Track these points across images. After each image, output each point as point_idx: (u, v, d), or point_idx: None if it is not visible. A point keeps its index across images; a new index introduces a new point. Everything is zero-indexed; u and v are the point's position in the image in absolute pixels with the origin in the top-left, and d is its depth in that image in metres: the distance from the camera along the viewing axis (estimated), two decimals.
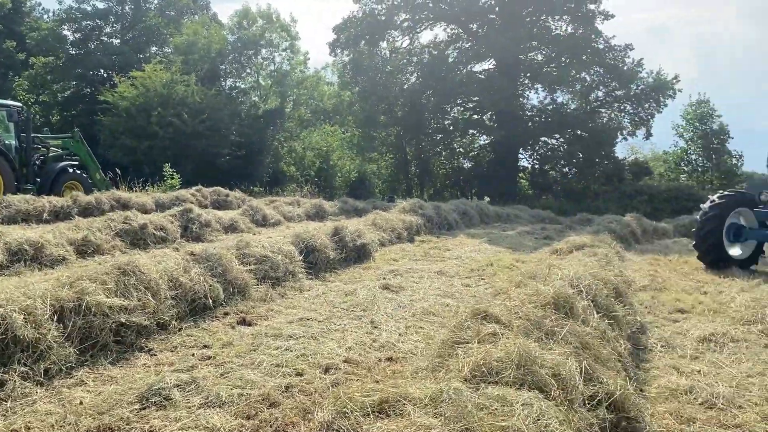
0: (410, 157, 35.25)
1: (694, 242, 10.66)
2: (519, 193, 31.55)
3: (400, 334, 5.78)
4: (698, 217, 10.56)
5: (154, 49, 40.92)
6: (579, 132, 31.35)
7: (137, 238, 10.19)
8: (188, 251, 6.84)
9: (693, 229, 10.83)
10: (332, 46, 33.95)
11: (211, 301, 6.14)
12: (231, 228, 12.62)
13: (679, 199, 25.39)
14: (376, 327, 6.01)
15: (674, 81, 30.48)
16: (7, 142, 15.11)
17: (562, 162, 33.11)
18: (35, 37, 35.83)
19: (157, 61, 33.05)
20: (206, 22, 36.50)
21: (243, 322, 6.01)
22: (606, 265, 7.46)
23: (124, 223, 10.24)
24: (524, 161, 34.47)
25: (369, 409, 3.03)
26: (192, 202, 16.87)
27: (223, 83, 37.19)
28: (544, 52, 32.08)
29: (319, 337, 5.56)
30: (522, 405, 2.84)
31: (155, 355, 4.97)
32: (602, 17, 30.40)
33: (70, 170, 16.82)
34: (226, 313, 6.18)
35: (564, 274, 5.26)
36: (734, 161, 31.69)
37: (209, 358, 4.90)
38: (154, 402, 3.91)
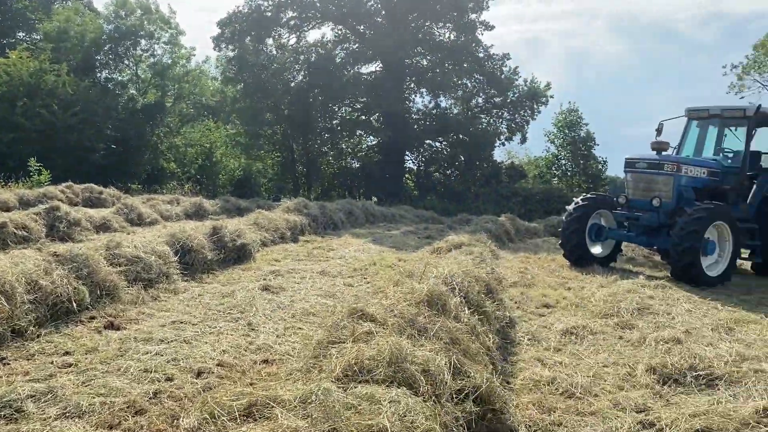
0: (297, 156, 34.93)
1: (560, 241, 11.38)
2: (405, 193, 32.19)
3: (278, 336, 5.72)
4: (564, 218, 11.28)
5: (21, 35, 37.74)
6: (461, 136, 32.45)
7: None
8: (51, 251, 6.38)
9: (559, 229, 11.55)
10: (216, 41, 32.91)
11: (75, 304, 5.76)
12: (103, 227, 11.92)
13: (550, 200, 26.97)
14: (253, 329, 5.91)
15: (546, 88, 32.41)
16: None
17: (445, 164, 34.14)
18: None
19: (24, 48, 30.47)
20: (80, 10, 34.14)
21: (110, 326, 5.70)
22: (480, 263, 7.79)
23: None
24: (410, 163, 35.24)
25: (237, 413, 2.97)
26: (61, 200, 15.74)
27: (99, 75, 34.97)
28: (428, 58, 32.93)
29: (192, 341, 5.38)
30: (390, 402, 2.90)
31: (8, 364, 4.60)
32: (483, 27, 31.72)
33: None
34: (93, 317, 5.84)
35: (439, 273, 5.43)
36: (599, 166, 34.12)
37: (70, 365, 4.61)
38: (4, 415, 3.62)
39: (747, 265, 11.44)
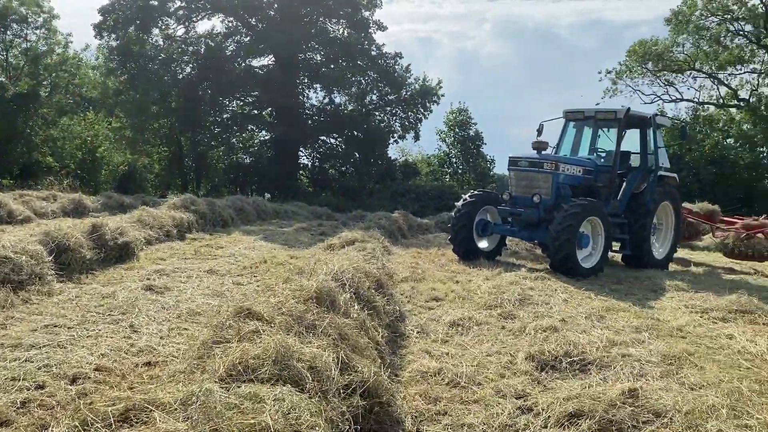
0: (186, 151, 33.70)
1: (450, 236, 11.73)
2: (299, 190, 31.95)
3: (161, 337, 5.50)
4: (453, 214, 11.65)
5: None
6: (355, 133, 32.67)
7: None
8: None
9: (449, 225, 11.91)
10: (98, 29, 31.04)
11: None
12: None
13: (442, 197, 27.76)
14: (135, 331, 5.65)
15: (438, 87, 33.29)
16: None
17: (340, 161, 34.22)
18: None
19: None
20: None
21: None
22: (371, 259, 7.88)
23: None
24: (304, 159, 35.01)
25: (112, 419, 2.83)
26: None
27: None
28: (322, 53, 32.83)
29: (67, 345, 5.07)
30: (274, 400, 2.87)
31: None
32: (376, 26, 32.05)
33: None
34: None
35: (329, 269, 5.43)
36: (488, 164, 35.55)
37: None
38: None
39: (618, 257, 12.32)
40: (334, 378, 3.55)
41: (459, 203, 11.64)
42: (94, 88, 36.28)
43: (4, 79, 33.11)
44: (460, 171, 35.81)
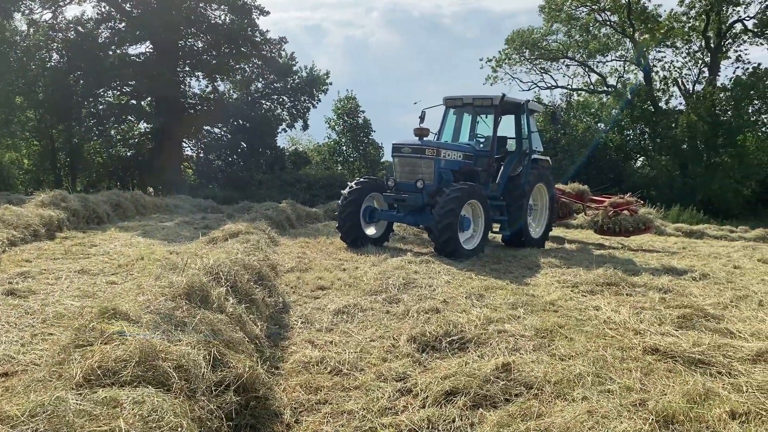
0: (59, 145, 31.45)
1: (337, 224, 11.74)
2: (184, 183, 30.75)
3: (22, 345, 5.08)
4: (340, 202, 11.65)
5: None
6: (242, 122, 31.86)
7: None
8: None
9: (337, 213, 11.91)
10: None
11: None
12: None
13: (333, 186, 27.70)
14: None
15: (326, 77, 33.12)
16: None
17: (226, 151, 33.26)
18: None
19: None
20: None
21: None
22: (255, 251, 7.72)
23: None
24: (189, 150, 33.73)
25: None
26: None
27: None
28: (203, 40, 31.65)
29: None
30: (133, 404, 2.73)
31: None
32: (258, 12, 31.25)
33: None
34: None
35: (203, 263, 5.25)
36: (377, 152, 35.89)
37: None
38: None
39: (498, 237, 12.86)
40: (203, 376, 3.44)
41: (345, 191, 11.66)
42: None
43: None
44: (351, 159, 35.91)
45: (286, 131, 34.24)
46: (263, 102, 33.22)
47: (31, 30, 29.70)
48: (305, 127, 33.72)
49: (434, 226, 10.20)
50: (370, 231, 11.81)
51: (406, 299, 6.88)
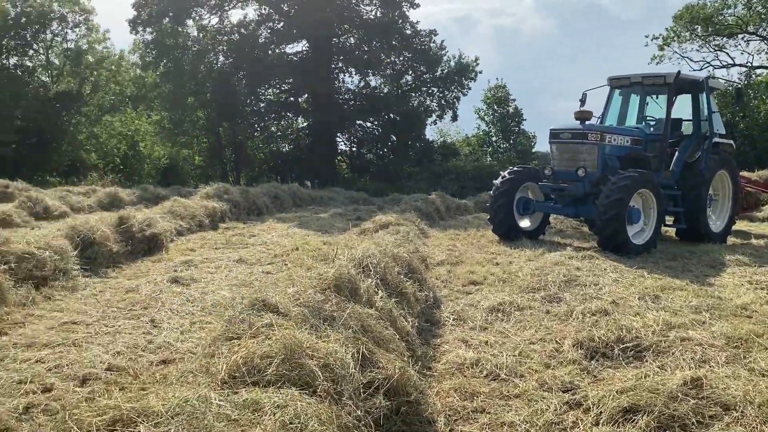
0: (225, 142, 33.78)
1: (489, 216, 11.19)
2: (338, 176, 31.68)
3: (182, 332, 5.21)
4: (491, 192, 11.09)
5: None
6: (392, 115, 32.13)
7: None
8: None
9: (488, 205, 11.37)
10: (133, 23, 31.20)
11: None
12: (3, 223, 10.95)
13: (482, 177, 26.99)
14: (156, 326, 5.38)
15: (475, 63, 32.38)
16: None
17: (377, 144, 33.78)
18: None
19: None
20: None
21: None
22: (404, 242, 7.45)
23: None
24: (342, 144, 34.71)
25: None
26: None
27: (5, 61, 32.66)
28: (355, 36, 32.32)
29: (82, 343, 4.81)
30: (275, 408, 2.49)
31: None
32: (408, 5, 31.27)
33: None
34: None
35: (352, 255, 5.02)
36: (529, 141, 34.55)
37: None
38: None
39: (672, 231, 11.58)
40: (351, 376, 3.16)
41: (497, 181, 11.08)
42: (133, 83, 36.72)
43: (46, 79, 33.82)
44: (500, 150, 34.91)
45: (435, 123, 34.07)
46: (413, 95, 33.26)
47: (201, 35, 32.07)
48: (454, 117, 33.31)
49: (598, 218, 9.32)
50: (525, 223, 11.13)
51: (569, 298, 6.25)
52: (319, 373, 2.99)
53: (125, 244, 8.21)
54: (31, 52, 33.25)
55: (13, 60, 32.92)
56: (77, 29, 34.00)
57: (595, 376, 4.31)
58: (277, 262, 8.31)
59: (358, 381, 3.20)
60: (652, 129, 11.22)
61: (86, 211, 13.52)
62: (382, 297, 4.49)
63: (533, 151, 34.45)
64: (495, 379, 4.28)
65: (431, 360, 4.62)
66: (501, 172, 11.39)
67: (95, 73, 34.39)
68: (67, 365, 4.31)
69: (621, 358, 4.59)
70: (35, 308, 5.82)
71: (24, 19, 31.21)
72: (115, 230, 8.30)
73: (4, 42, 31.29)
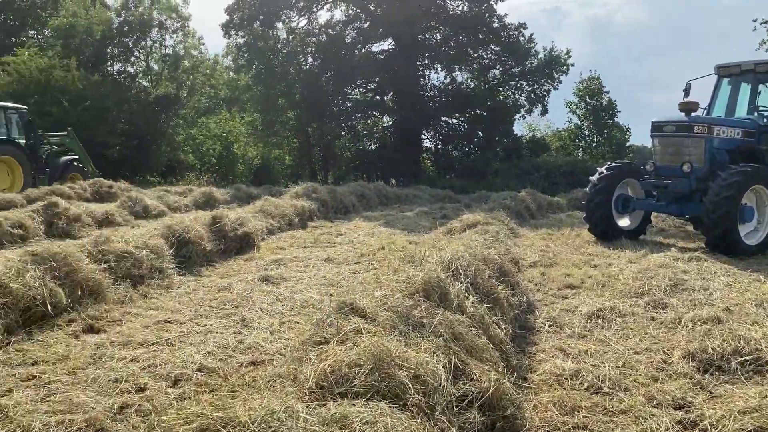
0: (313, 141, 34.42)
1: (584, 215, 10.68)
2: (424, 173, 31.52)
3: (271, 332, 5.20)
4: (588, 189, 10.57)
5: (32, 33, 37.69)
6: (478, 111, 31.61)
7: None
8: (29, 251, 5.92)
9: (583, 202, 10.85)
10: (225, 27, 32.35)
11: (51, 308, 5.30)
12: (106, 222, 11.53)
13: (574, 173, 26.03)
14: (246, 325, 5.41)
15: (567, 56, 31.27)
16: (20, 141, 17.92)
17: (464, 141, 33.36)
18: None
19: (30, 45, 30.33)
20: (86, 4, 33.81)
21: (90, 329, 5.23)
22: (494, 243, 7.17)
23: None
24: (427, 142, 34.52)
25: None
26: (70, 196, 15.50)
27: (110, 68, 34.73)
28: (441, 32, 32.01)
29: (176, 343, 4.89)
30: (364, 424, 2.34)
31: None
32: None
33: (74, 164, 20.15)
34: (72, 321, 5.37)
35: (441, 257, 4.83)
36: (623, 135, 33.04)
37: (34, 377, 4.13)
38: None
39: None
40: (444, 389, 2.98)
41: (594, 177, 10.53)
42: (227, 86, 38.09)
43: (146, 84, 35.67)
44: (593, 144, 33.59)
45: (524, 117, 33.23)
46: (500, 89, 32.57)
47: (290, 37, 32.78)
48: (544, 111, 32.34)
49: (706, 216, 8.65)
50: (624, 222, 10.53)
51: (676, 304, 5.78)
52: (410, 385, 2.83)
53: (218, 242, 8.39)
54: (132, 58, 35.18)
55: (116, 66, 34.98)
56: (175, 35, 35.66)
57: (710, 393, 3.92)
58: (363, 262, 8.25)
59: (450, 394, 3.01)
60: (765, 120, 10.31)
61: (183, 211, 14.04)
62: (473, 302, 4.27)
63: (628, 144, 32.94)
64: (597, 393, 3.97)
65: (527, 370, 4.36)
66: (598, 168, 10.83)
67: (191, 77, 35.91)
68: (160, 365, 4.37)
69: (739, 373, 4.16)
70: (132, 306, 6.00)
71: (126, 28, 33.02)
72: (209, 229, 8.50)
73: (108, 50, 33.24)
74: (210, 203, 15.17)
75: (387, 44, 32.34)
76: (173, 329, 5.27)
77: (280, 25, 32.90)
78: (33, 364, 4.39)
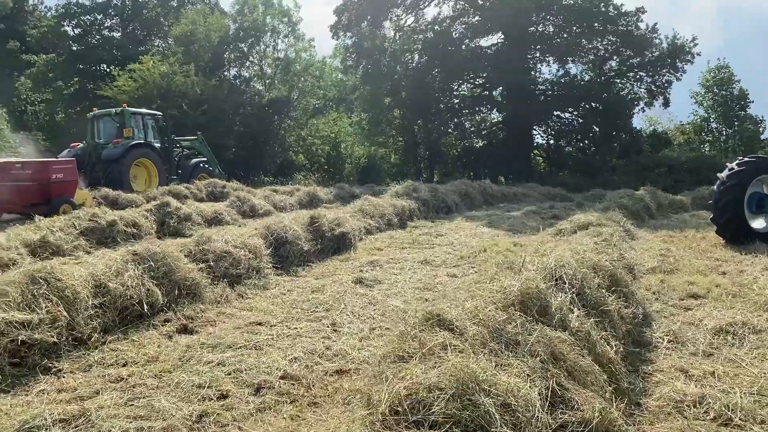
0: (419, 139, 34.26)
1: (711, 215, 9.65)
2: (534, 171, 30.45)
3: (360, 339, 4.98)
4: (716, 187, 9.53)
5: (158, 42, 40.30)
6: (594, 104, 30.08)
7: (105, 237, 9.49)
8: (131, 250, 6.07)
9: (710, 201, 9.81)
10: (334, 29, 32.93)
11: (147, 307, 5.37)
12: (215, 221, 11.89)
13: (700, 169, 24.03)
14: (336, 330, 5.22)
15: (692, 44, 28.96)
16: (156, 144, 19.14)
17: (578, 137, 31.91)
18: (35, 35, 35.35)
19: (153, 52, 32.36)
20: (205, 12, 35.66)
21: (184, 329, 5.24)
22: (606, 246, 6.55)
23: (90, 220, 9.55)
24: (539, 137, 33.34)
25: None
26: (186, 196, 16.26)
27: (227, 73, 36.41)
28: (554, 23, 30.74)
29: (263, 346, 4.78)
30: None
31: (63, 377, 4.22)
32: None
33: (202, 166, 21.12)
34: (167, 320, 5.42)
35: (543, 263, 4.37)
36: (756, 127, 30.21)
37: (122, 379, 4.14)
38: None
39: None
40: (537, 420, 2.58)
41: (723, 174, 9.47)
42: (334, 87, 38.84)
43: (261, 88, 37.05)
44: (721, 138, 30.96)
45: (643, 111, 31.20)
46: (617, 81, 30.79)
47: (397, 35, 32.80)
48: (666, 104, 30.15)
49: None
50: (758, 224, 9.40)
51: None
52: (496, 416, 2.46)
53: (315, 242, 8.32)
54: (247, 63, 36.65)
55: (232, 71, 36.60)
56: (286, 39, 36.79)
57: None
58: (462, 265, 7.86)
59: (546, 425, 2.61)
60: None
61: (288, 210, 14.26)
62: (578, 316, 3.79)
63: (762, 138, 30.05)
64: (726, 425, 3.40)
65: (641, 394, 3.83)
66: (728, 164, 9.74)
67: (302, 79, 36.90)
68: (245, 370, 4.25)
69: None
70: (228, 306, 5.99)
71: (241, 33, 34.43)
72: (307, 229, 8.45)
73: (225, 55, 34.82)
74: (314, 203, 15.34)
75: (496, 38, 31.59)
76: (263, 332, 5.17)
77: (387, 24, 33.01)
78: (124, 365, 4.41)
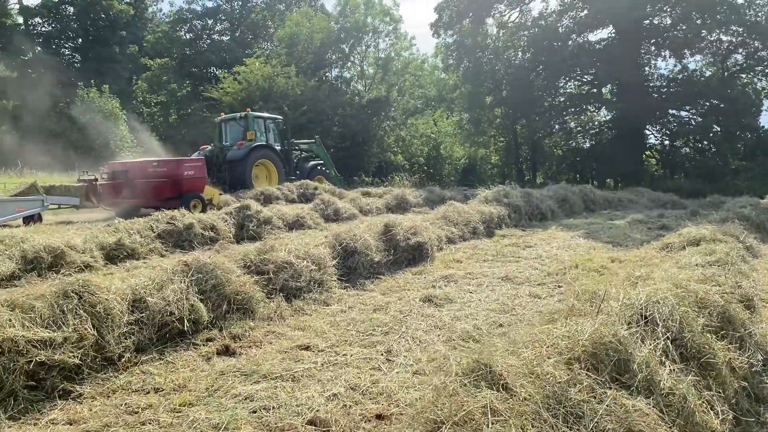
0: (521, 140, 32.87)
1: None
2: (645, 173, 28.29)
3: (414, 373, 4.33)
4: None
5: (265, 44, 41.44)
6: (714, 102, 27.49)
7: (182, 240, 9.43)
8: (182, 261, 5.75)
9: None
10: (434, 27, 32.29)
11: (190, 324, 4.99)
12: (296, 225, 11.59)
13: None
14: (389, 359, 4.61)
15: None
16: (276, 146, 20.16)
17: (695, 137, 29.31)
18: (151, 40, 37.33)
19: (257, 55, 33.15)
20: (308, 13, 36.15)
21: (225, 351, 4.81)
22: (720, 270, 5.46)
23: (168, 223, 9.51)
24: (652, 138, 31.00)
25: None
26: (278, 197, 16.27)
27: (328, 73, 36.72)
28: (671, 14, 28.38)
29: (303, 377, 4.25)
30: None
31: (81, 402, 3.89)
32: None
33: (319, 168, 21.90)
34: (210, 339, 5.01)
35: (630, 298, 3.52)
36: None
37: (136, 412, 3.74)
38: None
39: None
40: None
41: None
42: (434, 86, 38.19)
43: (361, 88, 37.08)
44: None
45: None
46: (743, 76, 27.97)
47: (500, 32, 31.65)
48: None
49: None
50: None
51: None
52: None
53: (388, 253, 7.74)
54: (348, 63, 36.79)
55: (334, 72, 36.87)
56: (387, 38, 36.58)
57: None
58: (548, 283, 6.98)
59: None
60: None
61: (374, 213, 13.79)
62: (671, 372, 2.95)
63: None
64: None
65: None
66: None
67: (401, 78, 36.55)
68: (273, 408, 3.74)
69: None
70: (280, 324, 5.53)
71: (343, 34, 34.57)
72: (380, 238, 7.90)
73: (327, 56, 35.11)
74: (402, 206, 14.77)
75: (606, 32, 29.71)
76: (307, 358, 4.64)
77: (490, 20, 31.94)
78: (147, 393, 4.03)
